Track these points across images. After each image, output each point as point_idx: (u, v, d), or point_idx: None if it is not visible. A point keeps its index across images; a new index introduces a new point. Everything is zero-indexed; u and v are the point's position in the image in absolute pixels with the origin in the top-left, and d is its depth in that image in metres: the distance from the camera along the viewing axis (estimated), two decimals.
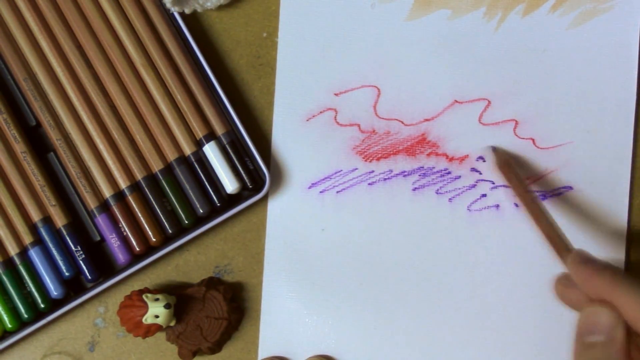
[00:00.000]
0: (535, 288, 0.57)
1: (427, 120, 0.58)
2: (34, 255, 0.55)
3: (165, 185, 0.56)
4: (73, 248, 0.55)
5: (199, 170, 0.57)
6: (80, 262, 0.55)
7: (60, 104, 0.56)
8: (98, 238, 0.56)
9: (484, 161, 0.57)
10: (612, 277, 0.44)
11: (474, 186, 0.57)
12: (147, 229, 0.56)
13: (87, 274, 0.55)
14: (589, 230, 0.57)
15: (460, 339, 0.57)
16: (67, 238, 0.55)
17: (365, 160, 0.58)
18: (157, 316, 0.54)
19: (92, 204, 0.56)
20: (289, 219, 0.58)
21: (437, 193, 0.57)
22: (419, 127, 0.58)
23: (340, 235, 0.58)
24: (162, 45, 0.57)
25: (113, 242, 0.56)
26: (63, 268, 0.55)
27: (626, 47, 0.57)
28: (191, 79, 0.57)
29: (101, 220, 0.56)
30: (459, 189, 0.57)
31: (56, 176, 0.57)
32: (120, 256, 0.56)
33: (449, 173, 0.57)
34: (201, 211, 0.56)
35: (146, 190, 0.56)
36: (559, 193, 0.57)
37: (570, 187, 0.57)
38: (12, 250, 0.55)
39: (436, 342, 0.57)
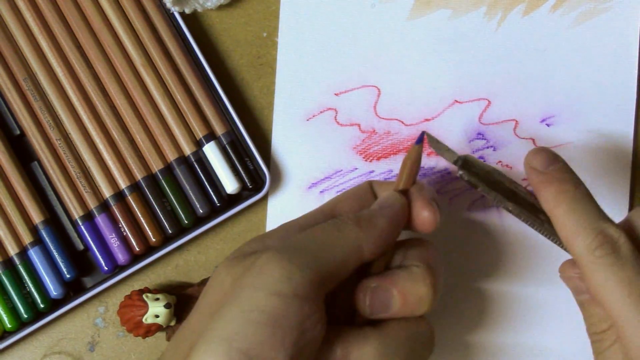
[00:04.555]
0: (536, 288, 0.57)
1: (427, 120, 0.58)
2: (34, 255, 0.55)
3: (165, 185, 0.56)
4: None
5: (198, 170, 0.57)
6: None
7: (60, 104, 0.56)
8: (82, 247, 0.56)
9: (484, 161, 0.57)
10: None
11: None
12: (147, 229, 0.56)
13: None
14: None
15: (459, 339, 0.57)
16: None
17: (366, 160, 0.58)
18: (157, 316, 0.54)
19: (92, 203, 0.56)
20: (289, 219, 0.58)
21: (437, 193, 0.57)
22: (419, 127, 0.58)
23: None
24: (162, 45, 0.57)
25: (113, 242, 0.56)
26: (64, 270, 0.55)
27: (626, 47, 0.57)
28: (191, 79, 0.57)
29: (101, 220, 0.56)
30: (459, 189, 0.57)
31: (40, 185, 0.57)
32: (120, 256, 0.56)
33: (449, 173, 0.57)
34: (201, 211, 0.56)
35: (146, 190, 0.56)
36: None
37: None
38: (12, 250, 0.55)
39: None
